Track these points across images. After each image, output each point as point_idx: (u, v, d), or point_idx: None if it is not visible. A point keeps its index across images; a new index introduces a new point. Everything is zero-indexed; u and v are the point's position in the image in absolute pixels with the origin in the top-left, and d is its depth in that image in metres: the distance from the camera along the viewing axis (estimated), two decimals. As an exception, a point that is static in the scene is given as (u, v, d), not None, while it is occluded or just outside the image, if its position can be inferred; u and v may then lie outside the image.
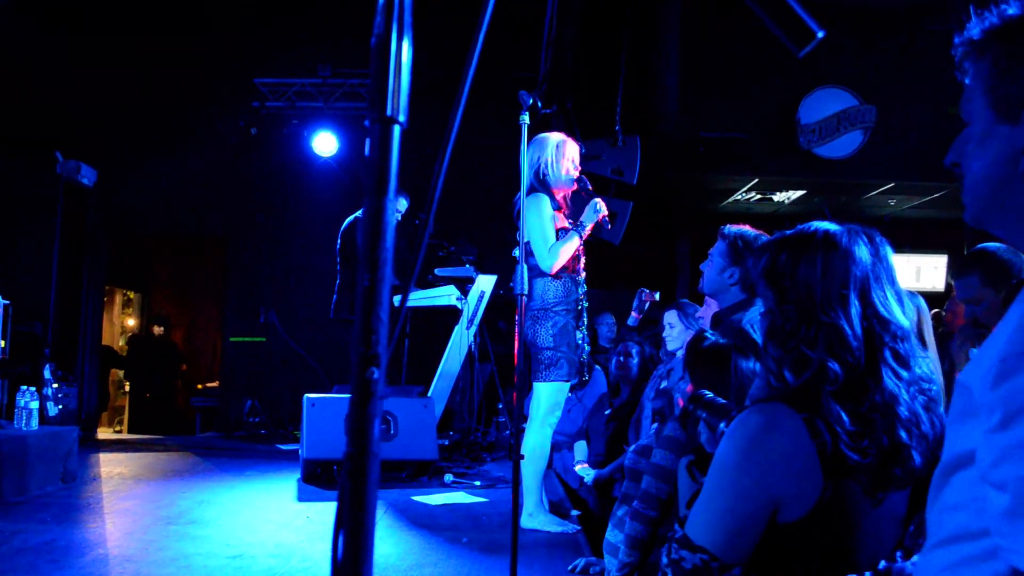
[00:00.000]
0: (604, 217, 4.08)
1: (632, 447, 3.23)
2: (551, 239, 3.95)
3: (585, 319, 4.14)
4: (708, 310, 3.30)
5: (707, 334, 2.67)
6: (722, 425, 1.73)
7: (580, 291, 4.08)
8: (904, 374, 1.37)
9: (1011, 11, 0.98)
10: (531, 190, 4.02)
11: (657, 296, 5.77)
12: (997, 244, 2.88)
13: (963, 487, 0.91)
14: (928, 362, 1.43)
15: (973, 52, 1.01)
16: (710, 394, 1.90)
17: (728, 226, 2.94)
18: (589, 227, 4.05)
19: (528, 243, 3.99)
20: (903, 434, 1.34)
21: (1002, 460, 0.83)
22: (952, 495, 0.94)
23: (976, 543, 0.87)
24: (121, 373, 10.24)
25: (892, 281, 1.42)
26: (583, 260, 4.11)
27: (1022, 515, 0.81)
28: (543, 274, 4.00)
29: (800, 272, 1.40)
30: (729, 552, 1.33)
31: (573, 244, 3.99)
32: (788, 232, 1.49)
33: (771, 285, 1.44)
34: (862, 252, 1.40)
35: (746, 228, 2.92)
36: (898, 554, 1.40)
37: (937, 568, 0.96)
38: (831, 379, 1.35)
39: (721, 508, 1.35)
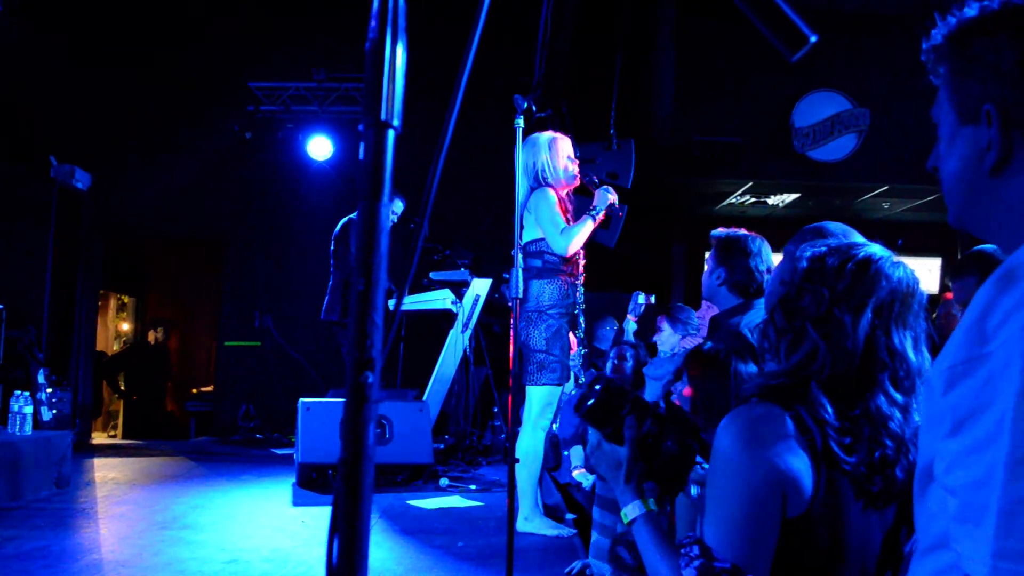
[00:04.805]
0: (614, 203, 4.08)
1: None
2: (562, 224, 3.95)
3: (582, 323, 4.13)
4: (708, 312, 3.31)
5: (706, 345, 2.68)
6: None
7: (577, 295, 4.08)
8: (899, 399, 1.37)
9: (968, 13, 1.00)
10: (533, 189, 4.03)
11: (653, 299, 5.77)
12: (995, 246, 2.88)
13: (937, 494, 0.92)
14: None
15: (937, 57, 1.04)
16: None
17: (718, 229, 2.95)
18: (603, 211, 4.05)
19: (525, 244, 4.00)
20: (890, 444, 1.35)
21: (953, 467, 0.86)
22: (931, 502, 0.95)
23: (951, 550, 0.88)
24: (120, 379, 10.18)
25: (916, 324, 1.42)
26: (583, 264, 4.11)
27: (970, 521, 0.83)
28: (539, 275, 4.00)
29: (838, 269, 1.42)
30: (758, 562, 1.31)
31: (587, 228, 3.98)
32: (851, 242, 1.50)
33: (809, 268, 1.44)
34: (899, 281, 1.41)
35: (736, 230, 2.92)
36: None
37: (926, 574, 0.97)
38: (819, 367, 1.35)
39: (735, 515, 1.32)
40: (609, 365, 5.21)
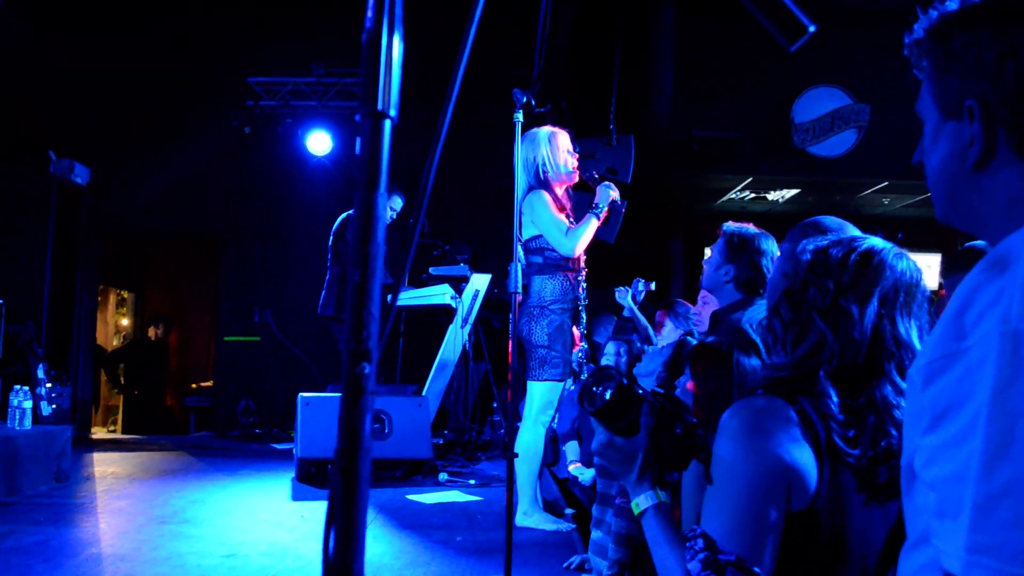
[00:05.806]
0: (616, 199, 4.07)
1: None
2: (563, 225, 3.94)
3: (584, 319, 4.12)
4: (705, 307, 3.29)
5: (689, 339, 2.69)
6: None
7: (579, 290, 4.06)
8: (906, 388, 1.37)
9: (949, 7, 0.99)
10: (530, 189, 4.01)
11: (653, 286, 5.77)
12: (986, 243, 2.86)
13: (920, 490, 0.93)
14: None
15: (920, 52, 1.03)
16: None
17: (729, 223, 2.93)
18: (605, 208, 4.04)
19: (526, 241, 3.99)
20: (894, 434, 1.34)
21: (931, 462, 0.86)
22: (916, 498, 0.95)
23: (933, 546, 0.89)
24: (120, 369, 10.19)
25: (921, 314, 1.43)
26: (584, 259, 4.10)
27: (947, 516, 0.83)
28: (541, 271, 4.00)
29: (842, 260, 1.42)
30: (762, 554, 1.30)
31: (592, 227, 3.96)
32: (853, 235, 1.51)
33: (812, 261, 1.45)
34: (903, 272, 1.42)
35: (747, 226, 2.90)
36: None
37: (912, 569, 0.97)
38: (828, 355, 1.36)
39: (739, 507, 1.31)
40: (613, 360, 5.21)
